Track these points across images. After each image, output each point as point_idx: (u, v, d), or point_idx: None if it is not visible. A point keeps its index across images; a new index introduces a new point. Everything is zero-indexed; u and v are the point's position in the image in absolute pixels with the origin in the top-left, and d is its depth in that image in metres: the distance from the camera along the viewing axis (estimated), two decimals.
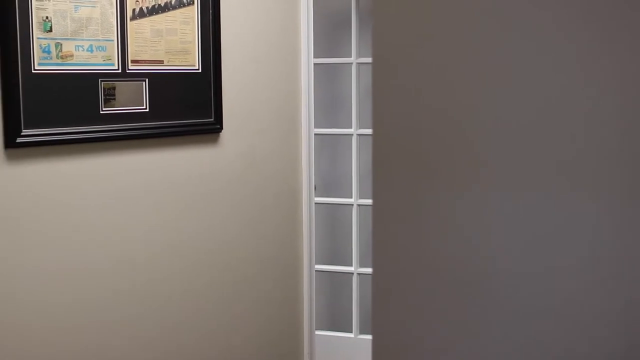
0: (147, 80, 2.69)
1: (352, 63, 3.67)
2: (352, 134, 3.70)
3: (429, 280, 1.31)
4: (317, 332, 3.60)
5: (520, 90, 1.16)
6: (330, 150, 3.99)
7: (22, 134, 2.38)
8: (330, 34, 3.95)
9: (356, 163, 3.69)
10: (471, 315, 1.27)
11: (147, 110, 2.70)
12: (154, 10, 2.69)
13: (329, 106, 3.94)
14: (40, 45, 2.41)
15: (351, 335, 3.78)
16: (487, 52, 1.17)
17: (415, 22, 1.27)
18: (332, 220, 4.03)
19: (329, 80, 3.95)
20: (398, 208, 1.34)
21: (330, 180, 3.99)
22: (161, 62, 2.72)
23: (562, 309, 1.16)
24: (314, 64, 3.42)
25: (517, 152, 1.17)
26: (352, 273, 3.75)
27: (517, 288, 1.20)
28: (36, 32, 2.40)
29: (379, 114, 1.37)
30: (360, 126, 3.68)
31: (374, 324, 1.44)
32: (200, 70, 2.84)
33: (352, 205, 3.72)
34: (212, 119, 2.90)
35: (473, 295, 1.26)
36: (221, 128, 2.93)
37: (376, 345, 1.44)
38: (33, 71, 2.40)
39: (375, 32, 1.38)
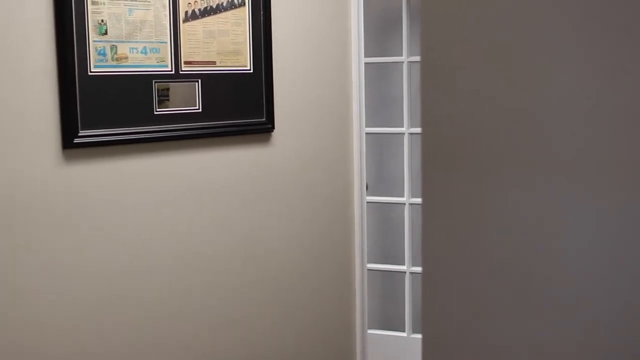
0: (199, 81, 2.73)
1: (403, 62, 3.67)
2: (404, 133, 3.69)
3: (479, 278, 1.31)
4: (370, 331, 3.60)
5: (572, 87, 1.14)
6: (382, 149, 3.99)
7: (79, 134, 2.44)
8: (381, 32, 3.95)
9: (408, 162, 3.68)
10: (522, 314, 1.26)
11: (200, 110, 2.74)
12: (206, 12, 2.73)
13: (380, 105, 3.94)
14: (96, 47, 2.47)
15: (404, 334, 3.77)
16: (539, 47, 1.17)
17: (464, 19, 1.27)
18: (384, 219, 4.03)
19: (380, 79, 3.95)
20: (447, 206, 1.34)
21: (382, 179, 3.99)
22: (213, 63, 2.76)
23: (617, 307, 1.14)
24: (365, 63, 3.42)
25: (568, 150, 1.16)
26: (405, 272, 3.74)
27: (570, 287, 1.18)
28: (92, 35, 2.46)
29: (427, 113, 1.37)
30: (412, 125, 3.67)
31: (424, 323, 1.43)
32: (252, 71, 2.87)
33: (404, 204, 3.71)
34: (264, 119, 2.92)
35: (524, 294, 1.25)
36: (273, 127, 2.95)
37: (426, 344, 1.44)
38: (89, 73, 2.46)
39: (423, 30, 1.38)
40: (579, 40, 1.12)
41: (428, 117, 1.37)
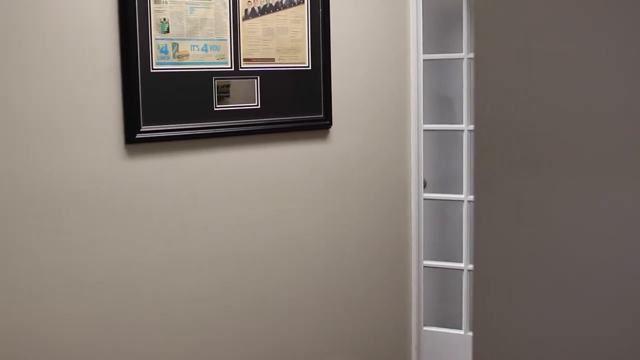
0: (258, 77, 2.77)
1: (463, 58, 3.64)
2: (463, 130, 3.68)
3: (530, 275, 1.31)
4: (425, 328, 3.60)
5: (623, 86, 1.14)
6: (441, 146, 3.97)
7: (141, 130, 2.51)
8: (441, 28, 3.93)
9: (467, 159, 3.66)
10: (575, 311, 1.25)
11: (259, 107, 2.78)
12: (265, 10, 2.77)
13: (440, 102, 3.93)
14: (158, 45, 2.53)
15: (460, 332, 3.76)
16: (592, 45, 1.16)
17: (517, 16, 1.27)
18: (442, 217, 4.02)
19: (440, 76, 3.93)
20: (499, 203, 1.34)
21: (441, 176, 3.98)
22: (272, 60, 2.80)
23: None
24: (424, 59, 3.42)
25: (619, 148, 1.16)
26: (462, 270, 3.73)
27: (624, 286, 1.18)
28: (154, 33, 2.52)
29: (480, 110, 1.37)
30: (471, 122, 3.65)
31: (475, 319, 1.44)
32: (310, 68, 2.90)
33: (463, 201, 3.70)
34: (322, 115, 2.95)
35: (577, 290, 1.24)
36: (330, 124, 2.98)
37: (477, 341, 1.45)
38: (151, 71, 2.52)
39: (477, 28, 1.39)
40: (629, 43, 1.11)
41: (480, 114, 1.38)
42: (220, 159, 2.72)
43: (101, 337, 2.50)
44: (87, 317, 2.46)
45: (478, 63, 1.38)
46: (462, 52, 3.63)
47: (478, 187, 1.40)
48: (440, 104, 3.91)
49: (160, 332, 2.63)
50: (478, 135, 1.40)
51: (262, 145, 2.82)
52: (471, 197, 3.69)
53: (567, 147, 1.22)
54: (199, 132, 2.64)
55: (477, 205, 1.40)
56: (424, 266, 3.53)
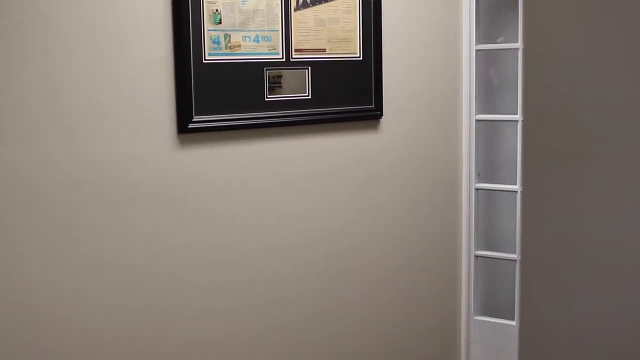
0: (310, 68, 2.78)
1: (517, 49, 3.60)
2: (517, 120, 3.64)
3: (576, 266, 1.30)
4: (476, 318, 3.59)
5: None
6: (496, 136, 3.94)
7: (193, 120, 2.54)
8: (495, 18, 3.88)
9: (521, 150, 3.62)
10: (619, 303, 1.24)
11: (310, 97, 2.80)
12: (317, 1, 2.77)
13: (494, 91, 3.88)
14: (210, 36, 2.56)
15: (512, 322, 3.73)
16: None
17: (567, 10, 1.26)
18: (495, 207, 3.98)
19: (495, 65, 3.89)
20: (546, 194, 1.33)
21: (495, 166, 3.94)
22: (323, 50, 2.81)
23: None
24: (478, 50, 3.39)
25: None
26: (515, 260, 3.70)
27: None
28: (207, 24, 2.55)
29: (528, 102, 1.36)
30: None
31: (522, 310, 1.44)
32: (361, 58, 2.90)
33: (516, 192, 3.66)
34: (373, 106, 2.95)
35: (621, 282, 1.23)
36: (381, 114, 2.98)
37: (523, 331, 1.44)
38: (204, 61, 2.55)
39: (526, 21, 1.38)
40: None
41: (529, 107, 1.37)
42: (272, 149, 2.74)
43: (147, 325, 2.54)
44: (134, 304, 2.51)
45: (527, 56, 1.37)
46: (517, 41, 3.58)
47: (526, 179, 1.39)
48: (494, 94, 3.87)
49: (208, 319, 2.67)
50: (526, 127, 1.39)
51: (313, 135, 2.83)
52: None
53: (613, 141, 1.21)
54: (250, 122, 2.67)
55: (525, 196, 1.39)
56: (475, 256, 3.51)
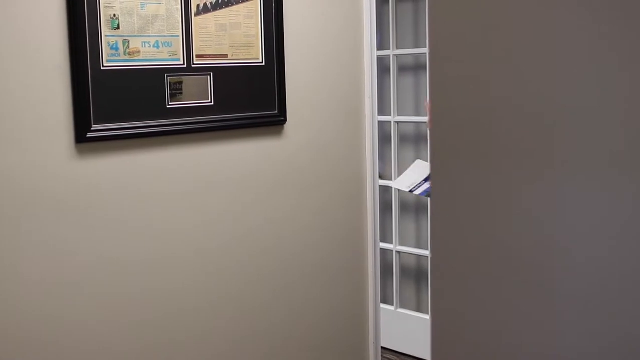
0: (212, 74, 2.74)
1: (426, 53, 3.70)
2: (421, 122, 3.72)
3: (486, 271, 1.31)
4: (383, 306, 3.71)
5: (580, 84, 1.14)
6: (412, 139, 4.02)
7: (92, 129, 2.46)
8: (416, 24, 3.95)
9: (429, 149, 3.72)
10: (530, 308, 1.26)
11: (213, 103, 2.75)
12: (218, 5, 2.73)
13: (414, 96, 3.97)
14: (108, 42, 2.48)
15: (426, 316, 3.83)
16: (550, 40, 1.16)
17: (472, 10, 1.26)
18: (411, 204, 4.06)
19: (413, 71, 3.97)
20: (454, 198, 1.34)
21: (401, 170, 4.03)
22: (225, 56, 2.77)
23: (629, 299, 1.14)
24: (393, 55, 3.50)
25: (576, 145, 1.16)
26: (428, 257, 3.80)
27: (578, 278, 1.18)
28: (104, 30, 2.47)
29: (436, 106, 1.37)
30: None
31: (433, 309, 1.44)
32: (264, 64, 2.88)
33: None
34: (277, 111, 2.93)
35: (531, 287, 1.25)
36: (285, 120, 2.96)
37: (435, 337, 1.44)
38: (102, 68, 2.47)
39: (431, 23, 1.38)
40: (586, 39, 1.11)
41: (437, 111, 1.37)
42: (174, 157, 2.68)
43: (45, 338, 2.45)
44: (29, 317, 2.41)
45: (433, 58, 1.38)
46: (426, 47, 3.70)
47: (435, 182, 1.39)
48: (414, 98, 3.96)
49: (104, 332, 2.59)
50: (434, 131, 1.40)
51: (216, 142, 2.79)
52: None
53: (524, 144, 1.22)
54: (151, 130, 2.60)
55: (434, 200, 1.40)
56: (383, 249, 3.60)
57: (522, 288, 1.27)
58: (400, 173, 4.00)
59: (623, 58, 1.08)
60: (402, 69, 4.00)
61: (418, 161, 2.68)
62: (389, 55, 3.93)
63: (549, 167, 1.21)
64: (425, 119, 3.80)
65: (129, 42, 2.53)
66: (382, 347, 3.65)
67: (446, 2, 1.34)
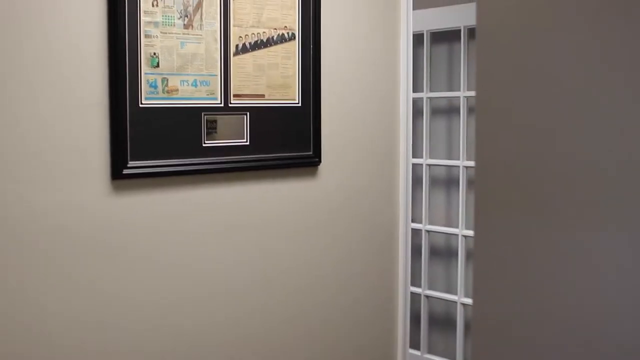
0: (248, 113, 2.74)
1: (459, 97, 3.70)
2: (459, 166, 3.71)
3: (529, 319, 1.28)
4: (411, 351, 3.63)
5: (630, 131, 1.11)
6: (441, 181, 4.02)
7: (128, 165, 2.46)
8: (448, 67, 3.96)
9: (462, 194, 3.70)
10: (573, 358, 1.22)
11: (248, 143, 2.75)
12: (257, 46, 2.74)
13: (444, 139, 3.98)
14: (147, 80, 2.50)
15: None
16: (597, 92, 1.14)
17: (521, 57, 1.25)
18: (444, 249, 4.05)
19: (445, 113, 3.98)
20: (499, 243, 1.31)
21: (440, 210, 4.03)
22: (262, 96, 2.77)
23: None
24: (427, 97, 3.51)
25: (623, 196, 1.13)
26: (456, 302, 3.75)
27: (623, 342, 1.15)
28: (144, 68, 2.49)
29: (482, 149, 1.34)
30: (468, 158, 3.70)
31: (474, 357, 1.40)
32: (300, 105, 2.88)
33: (457, 235, 3.75)
34: (311, 152, 2.92)
35: (576, 337, 1.21)
36: (320, 161, 2.95)
37: None
38: (140, 105, 2.49)
39: (479, 69, 1.37)
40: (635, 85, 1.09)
41: (482, 154, 1.35)
42: (208, 196, 2.68)
43: None
44: (65, 352, 2.40)
45: (480, 101, 1.36)
46: (460, 90, 3.70)
47: (479, 226, 1.37)
48: (446, 141, 3.95)
49: None
50: (479, 175, 1.37)
51: (250, 181, 2.78)
52: (466, 232, 3.70)
53: (570, 191, 1.19)
54: (186, 168, 2.60)
55: (478, 245, 1.37)
56: (412, 293, 3.56)
57: (570, 342, 1.23)
58: (430, 216, 3.97)
59: None
60: (435, 111, 3.99)
61: None
62: (423, 98, 3.92)
63: (585, 218, 1.18)
64: (457, 162, 3.78)
65: (167, 80, 2.54)
66: None
67: (497, 44, 1.33)
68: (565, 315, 1.24)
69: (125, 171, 2.47)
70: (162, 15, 2.51)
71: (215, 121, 2.67)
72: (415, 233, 3.98)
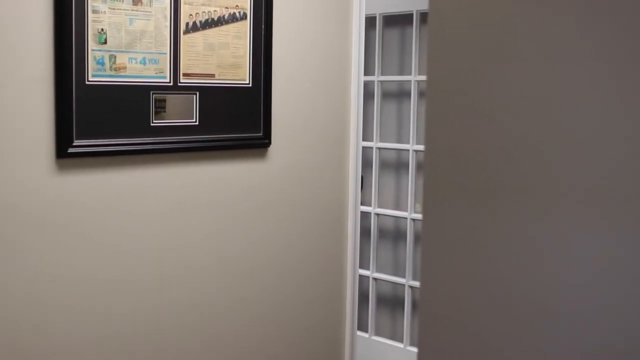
0: (197, 93, 2.70)
1: (410, 81, 3.71)
2: (409, 150, 3.72)
3: (478, 307, 1.28)
4: (359, 333, 3.66)
5: (581, 116, 1.12)
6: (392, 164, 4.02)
7: (73, 144, 2.41)
8: (401, 51, 3.95)
9: (412, 178, 3.72)
10: (523, 346, 1.23)
11: (197, 123, 2.71)
12: (207, 24, 2.70)
13: (395, 122, 3.98)
14: (94, 56, 2.44)
15: (401, 345, 3.79)
16: (549, 75, 1.14)
17: (472, 38, 1.25)
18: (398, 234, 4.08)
19: (397, 97, 3.98)
20: (447, 230, 1.31)
21: (392, 194, 4.03)
22: (212, 75, 2.74)
23: (627, 343, 1.12)
24: (378, 80, 3.49)
25: (574, 180, 1.14)
26: (404, 285, 3.77)
27: (572, 324, 1.16)
28: (91, 44, 2.43)
29: (431, 135, 1.34)
30: (418, 142, 3.72)
31: (420, 343, 1.41)
32: (250, 85, 2.85)
33: (407, 218, 3.76)
34: (261, 134, 2.90)
35: (524, 325, 1.22)
36: (270, 143, 2.93)
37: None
38: (87, 82, 2.43)
39: (430, 52, 1.36)
40: (589, 70, 1.10)
41: (432, 140, 1.35)
42: (156, 176, 2.64)
43: (19, 347, 2.38)
44: (7, 328, 2.35)
45: (431, 85, 1.35)
46: (411, 74, 3.71)
47: (427, 212, 1.37)
48: (396, 125, 3.96)
49: (78, 348, 2.53)
50: (428, 160, 1.37)
51: (199, 162, 2.75)
52: (415, 216, 3.72)
53: (521, 177, 1.20)
54: (134, 147, 2.56)
55: (426, 231, 1.37)
56: (360, 275, 3.57)
57: (518, 329, 1.24)
58: (380, 199, 3.99)
59: (637, 87, 1.06)
60: (386, 95, 4.00)
61: None
62: (374, 81, 3.92)
63: (543, 203, 1.18)
64: (407, 146, 3.80)
65: (115, 57, 2.49)
66: None
67: (449, 29, 1.32)
68: (512, 301, 1.25)
69: (71, 150, 2.41)
70: None
71: (164, 100, 2.63)
72: (365, 216, 3.99)
